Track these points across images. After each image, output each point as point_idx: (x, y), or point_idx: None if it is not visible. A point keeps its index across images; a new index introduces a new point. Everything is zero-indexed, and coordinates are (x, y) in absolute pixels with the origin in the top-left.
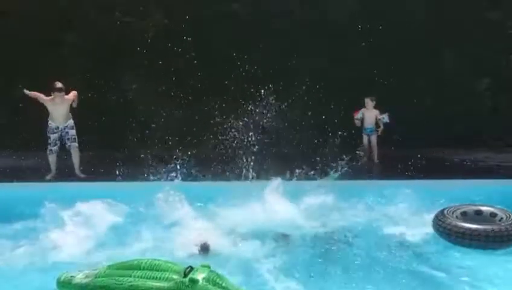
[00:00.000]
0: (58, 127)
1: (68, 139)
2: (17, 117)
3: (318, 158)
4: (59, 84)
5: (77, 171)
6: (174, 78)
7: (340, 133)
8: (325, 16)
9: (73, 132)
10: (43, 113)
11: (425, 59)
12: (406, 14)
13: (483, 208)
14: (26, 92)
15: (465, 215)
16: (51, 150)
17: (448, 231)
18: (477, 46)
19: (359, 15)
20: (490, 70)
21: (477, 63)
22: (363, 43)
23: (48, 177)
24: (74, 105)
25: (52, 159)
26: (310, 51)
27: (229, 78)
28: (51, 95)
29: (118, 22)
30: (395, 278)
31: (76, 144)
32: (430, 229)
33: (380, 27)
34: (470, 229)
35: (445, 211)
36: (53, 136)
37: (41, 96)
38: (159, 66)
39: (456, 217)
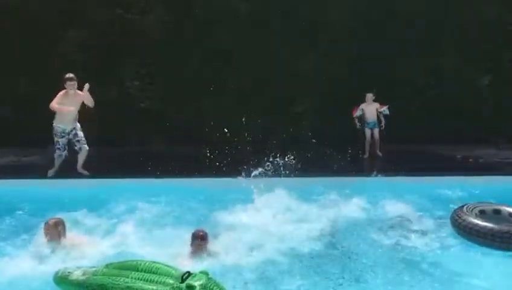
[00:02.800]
0: (65, 130)
1: (78, 141)
2: (20, 113)
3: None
4: (70, 74)
5: (80, 168)
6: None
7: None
8: (326, 15)
9: (81, 133)
10: (45, 109)
11: (427, 56)
12: (407, 11)
13: (502, 208)
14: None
15: (483, 214)
16: (60, 155)
17: (469, 229)
18: (479, 43)
19: (361, 13)
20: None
21: (479, 60)
22: (365, 41)
23: (50, 172)
24: (90, 103)
25: (58, 160)
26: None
27: (231, 74)
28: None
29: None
30: (398, 277)
31: (87, 147)
32: (431, 227)
33: (381, 24)
34: (491, 229)
35: (465, 208)
36: (62, 141)
37: (56, 100)
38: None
39: (475, 214)
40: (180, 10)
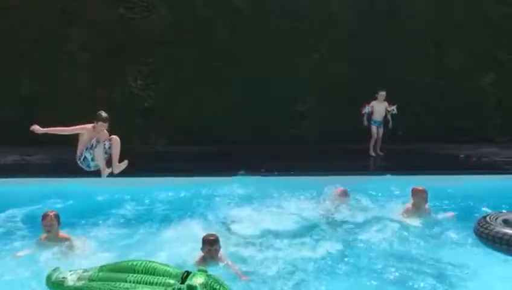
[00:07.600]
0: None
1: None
2: (22, 113)
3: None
4: (105, 114)
5: (115, 164)
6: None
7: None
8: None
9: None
10: (46, 109)
11: (430, 54)
12: (411, 10)
13: None
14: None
15: (506, 223)
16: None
17: (496, 238)
18: (482, 41)
19: (365, 12)
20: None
21: (482, 58)
22: (368, 40)
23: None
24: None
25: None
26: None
27: (232, 74)
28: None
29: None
30: (403, 278)
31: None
32: (438, 230)
33: (385, 23)
34: None
35: (488, 218)
36: (85, 153)
37: (75, 129)
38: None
39: (499, 224)
40: (182, 10)
